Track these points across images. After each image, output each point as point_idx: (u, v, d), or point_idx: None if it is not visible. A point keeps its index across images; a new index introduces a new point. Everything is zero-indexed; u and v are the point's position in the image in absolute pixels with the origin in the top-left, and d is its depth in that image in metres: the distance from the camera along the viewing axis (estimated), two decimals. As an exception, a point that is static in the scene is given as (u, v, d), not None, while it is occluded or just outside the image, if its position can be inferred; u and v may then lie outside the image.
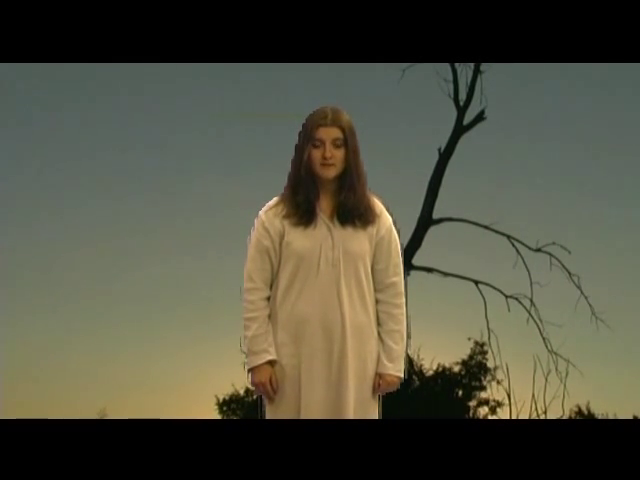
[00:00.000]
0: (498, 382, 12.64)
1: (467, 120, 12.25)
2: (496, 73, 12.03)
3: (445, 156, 12.20)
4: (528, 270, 12.06)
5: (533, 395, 11.60)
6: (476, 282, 12.16)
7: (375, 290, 3.20)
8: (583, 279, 11.95)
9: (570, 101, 13.49)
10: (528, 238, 12.13)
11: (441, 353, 13.16)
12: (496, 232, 12.20)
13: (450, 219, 12.32)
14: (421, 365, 12.95)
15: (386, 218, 3.22)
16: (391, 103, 13.19)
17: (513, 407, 11.89)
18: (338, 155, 3.12)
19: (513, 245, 12.18)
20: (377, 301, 3.20)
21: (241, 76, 12.89)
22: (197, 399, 13.98)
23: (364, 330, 3.16)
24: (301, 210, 3.15)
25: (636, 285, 13.29)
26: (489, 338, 12.16)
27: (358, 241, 3.16)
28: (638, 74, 11.85)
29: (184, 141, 14.10)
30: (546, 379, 11.57)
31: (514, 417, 11.68)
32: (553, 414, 11.53)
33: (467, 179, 13.37)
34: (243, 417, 12.97)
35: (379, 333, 3.20)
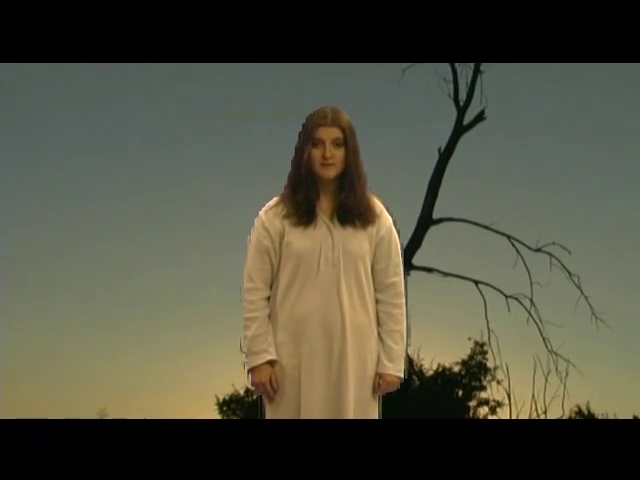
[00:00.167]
0: (498, 382, 12.65)
1: (467, 120, 12.25)
2: (496, 73, 12.05)
3: (445, 156, 12.20)
4: (528, 270, 12.07)
5: (533, 395, 11.61)
6: (476, 282, 12.17)
7: (375, 290, 3.20)
8: (583, 279, 11.96)
9: (570, 101, 13.50)
10: (528, 238, 12.14)
11: (441, 353, 13.18)
12: (496, 232, 12.21)
13: (450, 219, 12.32)
14: (421, 365, 12.95)
15: (386, 218, 3.22)
16: (391, 103, 13.20)
17: (513, 407, 11.90)
18: (338, 155, 3.12)
19: (513, 245, 12.19)
20: (377, 301, 3.20)
21: (241, 76, 12.90)
22: (197, 399, 13.99)
23: (364, 330, 3.16)
24: (301, 210, 3.15)
25: (636, 285, 13.30)
26: (489, 338, 12.17)
27: (358, 241, 3.16)
28: (638, 74, 11.85)
29: (184, 141, 14.10)
30: (546, 379, 11.58)
31: (514, 417, 11.68)
32: (553, 414, 11.54)
33: (467, 179, 13.38)
34: (243, 417, 12.97)
35: (379, 333, 3.20)
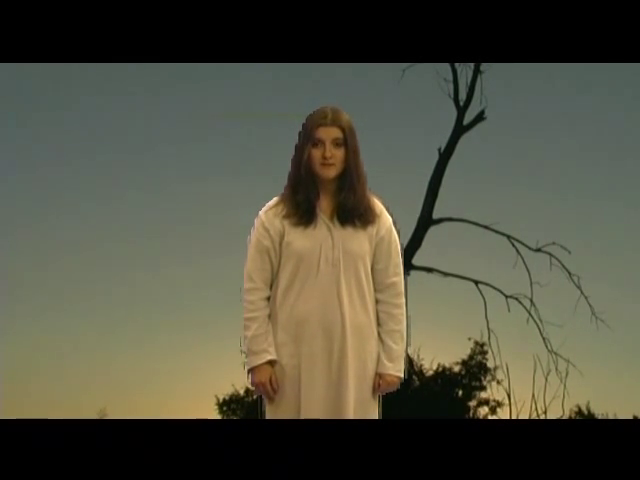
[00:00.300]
0: (498, 382, 12.66)
1: (467, 120, 12.25)
2: (496, 73, 12.05)
3: (445, 156, 12.20)
4: (528, 270, 12.07)
5: (533, 395, 11.62)
6: (476, 282, 12.17)
7: (375, 290, 3.20)
8: (583, 279, 11.97)
9: (570, 101, 13.50)
10: (528, 238, 12.14)
11: (441, 353, 13.18)
12: (496, 232, 12.21)
13: (450, 219, 12.32)
14: (421, 365, 12.96)
15: (386, 218, 3.22)
16: (391, 103, 13.20)
17: (513, 407, 11.91)
18: (338, 155, 3.12)
19: (513, 245, 12.19)
20: (377, 301, 3.20)
21: (241, 76, 12.90)
22: (197, 399, 13.99)
23: (364, 330, 3.16)
24: (301, 210, 3.15)
25: (636, 285, 13.30)
26: (489, 338, 12.18)
27: (358, 241, 3.16)
28: (638, 74, 11.85)
29: (184, 141, 14.11)
30: (546, 379, 11.59)
31: (514, 417, 11.69)
32: (553, 414, 11.54)
33: (467, 179, 13.38)
34: (243, 417, 12.97)
35: (379, 333, 3.20)
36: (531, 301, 11.97)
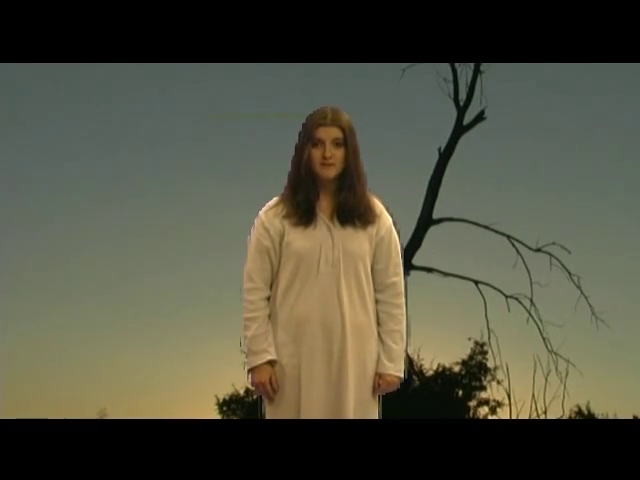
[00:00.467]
0: (498, 382, 12.65)
1: (467, 120, 12.25)
2: (496, 73, 12.05)
3: (445, 156, 12.21)
4: (528, 270, 12.07)
5: (533, 395, 11.62)
6: (476, 282, 12.17)
7: (375, 290, 3.20)
8: (583, 279, 11.97)
9: (570, 101, 13.50)
10: (528, 238, 12.15)
11: (441, 353, 13.18)
12: (496, 232, 12.21)
13: (450, 219, 12.32)
14: (421, 365, 12.95)
15: (386, 218, 3.22)
16: (391, 103, 13.19)
17: (513, 407, 11.91)
18: (338, 155, 3.12)
19: (513, 245, 12.19)
20: (377, 301, 3.20)
21: (241, 76, 12.90)
22: (197, 399, 13.99)
23: (364, 330, 3.16)
24: (301, 210, 3.15)
25: (636, 285, 13.30)
26: (489, 338, 12.18)
27: (358, 241, 3.16)
28: (638, 74, 11.85)
29: (184, 141, 14.11)
30: (546, 379, 11.59)
31: (514, 417, 11.69)
32: (553, 414, 11.54)
33: (467, 179, 13.38)
34: (243, 417, 12.97)
35: (379, 333, 3.20)
36: (531, 301, 11.98)
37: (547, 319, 11.90)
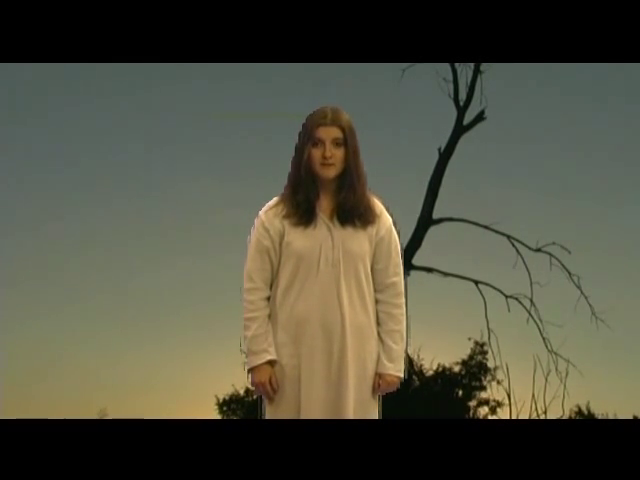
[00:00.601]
0: (498, 382, 12.66)
1: (467, 120, 12.26)
2: (496, 73, 12.05)
3: (445, 156, 12.21)
4: (528, 270, 12.08)
5: (533, 395, 11.62)
6: (476, 282, 12.17)
7: (375, 290, 3.20)
8: (583, 279, 11.97)
9: (570, 101, 13.50)
10: (528, 238, 12.15)
11: (441, 353, 13.18)
12: (496, 232, 12.22)
13: (450, 219, 12.32)
14: (421, 365, 12.96)
15: (386, 218, 3.22)
16: (391, 103, 13.19)
17: (513, 407, 11.91)
18: (338, 155, 3.12)
19: (513, 245, 12.19)
20: (377, 301, 3.20)
21: (240, 76, 12.90)
22: (197, 399, 13.99)
23: (364, 330, 3.15)
24: (301, 210, 3.15)
25: (636, 285, 13.30)
26: (489, 338, 12.18)
27: (358, 241, 3.16)
28: (638, 74, 11.85)
29: (183, 142, 14.11)
30: (546, 379, 11.59)
31: (514, 417, 11.69)
32: (553, 414, 11.54)
33: (467, 179, 13.39)
34: (243, 417, 12.97)
35: (379, 333, 3.19)
36: (531, 301, 11.98)
37: (547, 319, 11.92)
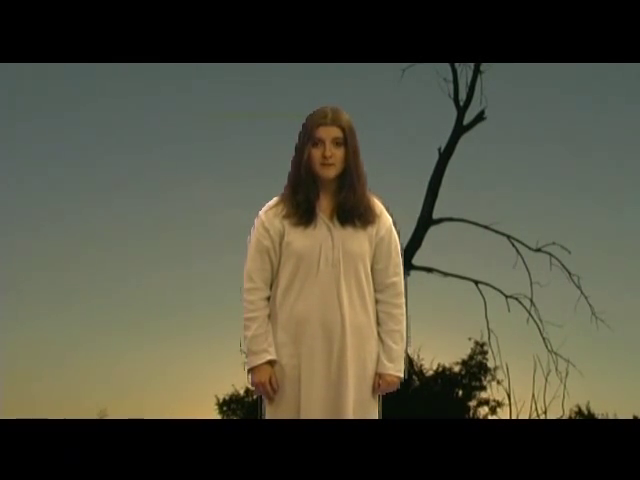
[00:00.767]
0: (498, 382, 12.66)
1: (467, 120, 12.26)
2: (496, 73, 12.06)
3: (445, 156, 12.21)
4: (528, 270, 12.08)
5: (533, 395, 11.62)
6: (476, 282, 12.17)
7: (375, 290, 3.20)
8: (583, 279, 11.97)
9: (570, 101, 13.50)
10: (528, 238, 12.15)
11: (441, 353, 13.19)
12: (496, 232, 12.22)
13: (450, 219, 12.32)
14: (421, 365, 12.96)
15: (386, 218, 3.22)
16: (391, 103, 13.19)
17: (513, 407, 11.91)
18: (338, 154, 3.12)
19: (513, 245, 12.19)
20: (377, 301, 3.20)
21: (240, 76, 12.89)
22: (197, 399, 13.99)
23: (364, 330, 3.15)
24: (301, 210, 3.14)
25: (636, 285, 13.30)
26: (489, 338, 12.18)
27: (358, 241, 3.15)
28: (638, 74, 11.85)
29: (183, 142, 14.11)
30: (546, 379, 11.59)
31: (514, 417, 11.69)
32: (553, 414, 11.55)
33: (467, 179, 13.38)
34: (243, 417, 12.98)
35: (379, 333, 3.19)
36: (531, 301, 11.98)
37: (547, 319, 11.92)
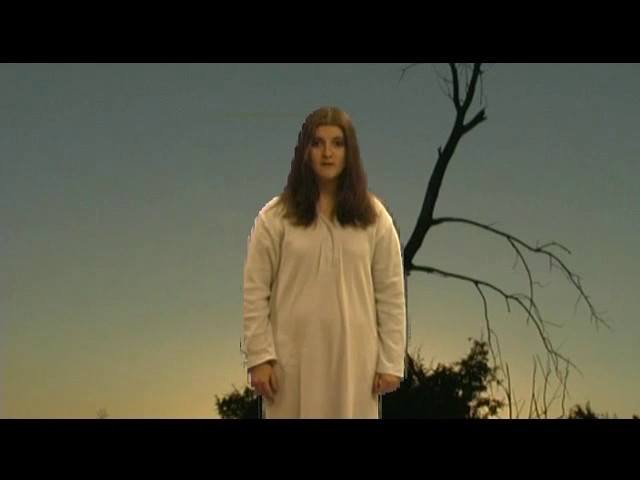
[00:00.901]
0: (498, 382, 12.65)
1: (467, 120, 12.25)
2: (496, 73, 12.05)
3: (445, 156, 12.20)
4: (528, 270, 12.07)
5: (533, 395, 11.62)
6: (476, 282, 12.17)
7: (375, 290, 3.20)
8: (583, 279, 11.96)
9: (570, 101, 13.50)
10: (528, 238, 12.14)
11: (441, 353, 13.18)
12: (496, 232, 12.21)
13: (450, 219, 12.32)
14: (421, 365, 12.95)
15: (386, 218, 3.22)
16: (391, 103, 13.20)
17: (513, 407, 11.90)
18: (338, 154, 3.12)
19: (513, 245, 12.19)
20: (377, 301, 3.20)
21: (241, 76, 12.90)
22: (197, 399, 13.99)
23: (364, 330, 3.15)
24: (301, 210, 3.14)
25: (636, 285, 13.30)
26: (489, 338, 12.18)
27: (358, 241, 3.15)
28: (638, 74, 11.85)
29: (183, 142, 14.11)
30: (546, 379, 11.58)
31: (514, 417, 11.69)
32: (553, 414, 11.55)
33: (467, 179, 13.39)
34: (243, 417, 12.98)
35: (379, 333, 3.19)
36: (531, 301, 11.97)
37: (547, 319, 11.91)
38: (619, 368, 13.10)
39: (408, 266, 11.49)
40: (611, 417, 12.53)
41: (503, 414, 12.39)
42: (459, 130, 12.21)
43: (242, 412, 13.15)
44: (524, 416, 11.50)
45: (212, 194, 13.62)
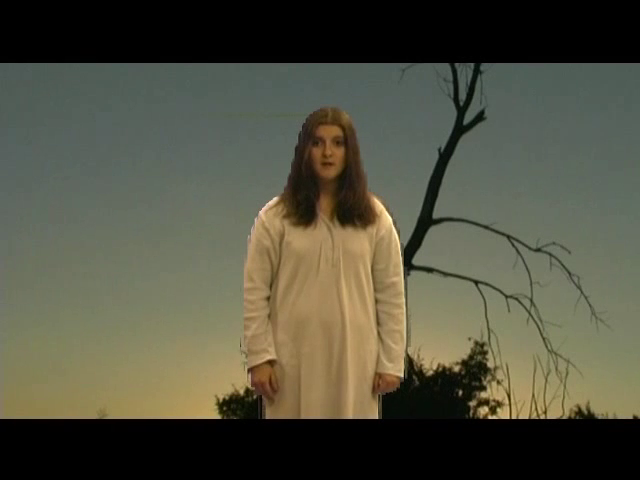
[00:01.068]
0: (498, 382, 12.65)
1: (467, 120, 12.26)
2: (496, 73, 12.06)
3: (445, 156, 12.20)
4: (528, 270, 12.06)
5: (533, 395, 11.61)
6: (476, 282, 12.16)
7: (375, 290, 3.20)
8: (583, 279, 11.96)
9: (570, 101, 13.50)
10: (528, 238, 12.14)
11: (441, 353, 13.18)
12: (496, 232, 12.21)
13: (450, 219, 12.32)
14: (421, 365, 12.95)
15: (386, 218, 3.22)
16: (391, 103, 13.20)
17: (513, 407, 11.90)
18: (338, 154, 3.12)
19: (513, 245, 12.19)
20: (377, 301, 3.20)
21: (241, 76, 12.90)
22: (197, 399, 13.99)
23: (364, 330, 3.15)
24: (301, 209, 3.15)
25: (636, 285, 13.30)
26: (489, 338, 12.18)
27: (358, 241, 3.16)
28: (638, 74, 11.85)
29: (183, 142, 14.11)
30: (546, 379, 11.58)
31: (514, 417, 11.69)
32: (553, 414, 11.54)
33: (467, 179, 13.39)
34: (243, 417, 12.98)
35: (379, 333, 3.20)
36: (531, 301, 11.97)
37: (547, 319, 11.91)
38: (619, 368, 13.11)
39: (408, 266, 11.50)
40: (611, 417, 12.54)
41: (503, 414, 12.40)
42: (459, 130, 12.21)
43: (242, 412, 13.15)
44: (524, 416, 11.51)
45: (212, 194, 13.63)
